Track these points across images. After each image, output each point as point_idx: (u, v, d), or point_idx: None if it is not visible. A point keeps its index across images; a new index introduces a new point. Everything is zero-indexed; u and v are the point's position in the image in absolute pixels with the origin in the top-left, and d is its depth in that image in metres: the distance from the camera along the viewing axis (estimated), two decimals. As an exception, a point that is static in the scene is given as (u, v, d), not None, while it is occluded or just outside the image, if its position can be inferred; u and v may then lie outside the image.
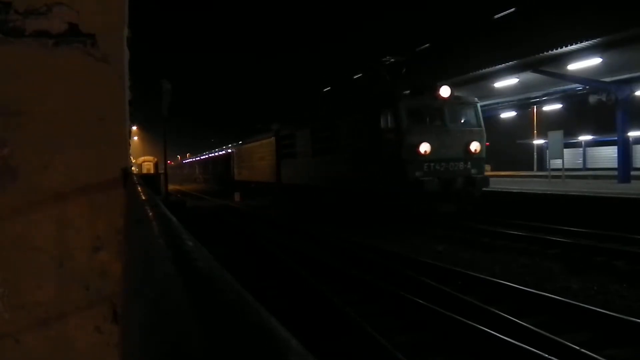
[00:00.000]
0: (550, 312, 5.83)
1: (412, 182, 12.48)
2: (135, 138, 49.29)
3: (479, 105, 14.39)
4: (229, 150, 44.51)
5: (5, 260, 1.45)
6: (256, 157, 29.69)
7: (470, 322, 5.16)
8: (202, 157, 66.68)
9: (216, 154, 56.45)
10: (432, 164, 12.87)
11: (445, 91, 13.40)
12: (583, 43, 14.66)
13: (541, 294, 6.23)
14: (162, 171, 22.55)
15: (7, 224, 1.45)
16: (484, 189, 13.70)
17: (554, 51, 15.61)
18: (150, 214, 1.09)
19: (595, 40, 14.41)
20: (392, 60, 17.26)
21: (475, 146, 13.37)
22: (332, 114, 18.19)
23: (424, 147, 12.76)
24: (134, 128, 41.08)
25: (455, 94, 13.92)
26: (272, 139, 25.60)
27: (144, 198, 1.45)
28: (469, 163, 13.42)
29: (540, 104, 27.85)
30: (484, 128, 13.97)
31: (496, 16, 20.26)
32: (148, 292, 0.65)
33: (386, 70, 17.58)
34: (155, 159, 38.81)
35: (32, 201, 1.47)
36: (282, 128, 25.15)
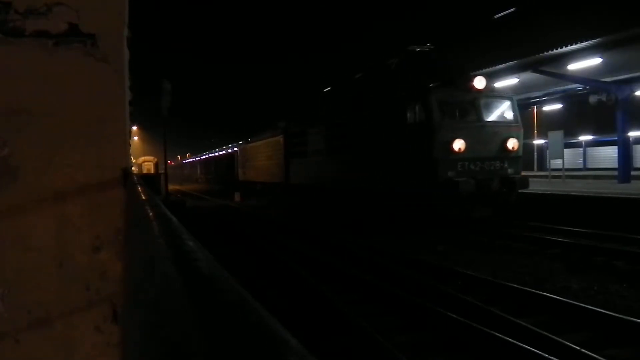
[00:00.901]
0: (551, 312, 5.83)
1: (444, 183, 11.33)
2: (135, 138, 49.29)
3: (514, 98, 13.26)
4: (233, 150, 43.14)
5: (5, 260, 1.45)
6: (262, 156, 28.63)
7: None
8: (204, 157, 66.03)
9: (219, 153, 55.34)
10: (466, 163, 11.65)
11: (480, 82, 12.18)
12: (583, 43, 14.66)
13: (541, 294, 6.23)
14: (162, 171, 22.57)
15: (7, 224, 1.45)
16: (522, 190, 12.37)
17: (554, 51, 15.61)
18: (150, 214, 1.09)
19: (595, 40, 14.41)
20: (418, 49, 15.79)
21: (512, 143, 12.11)
22: (350, 109, 16.91)
23: (458, 144, 11.51)
24: (134, 128, 41.08)
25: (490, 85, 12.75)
26: (280, 137, 24.52)
27: (144, 198, 1.45)
28: (506, 162, 12.17)
29: (540, 104, 27.86)
30: (521, 123, 12.81)
31: (496, 16, 20.27)
32: (148, 292, 0.65)
33: (410, 60, 16.10)
34: (156, 159, 38.82)
35: (32, 201, 1.47)
36: (291, 125, 23.99)
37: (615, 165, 20.86)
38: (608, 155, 33.76)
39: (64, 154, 1.49)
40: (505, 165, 12.17)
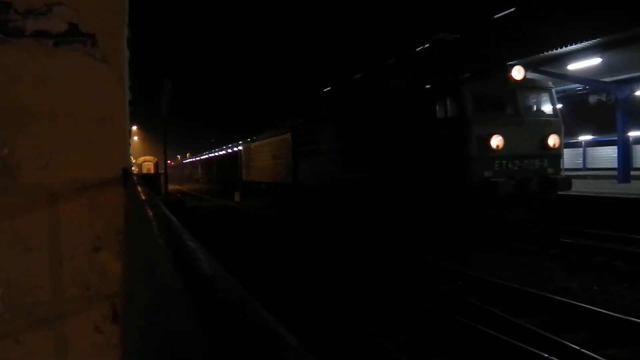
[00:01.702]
0: (551, 312, 5.83)
1: (480, 184, 10.39)
2: (135, 138, 49.27)
3: (554, 90, 12.28)
4: (236, 149, 41.60)
5: (5, 260, 1.45)
6: (268, 155, 27.44)
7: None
8: (205, 157, 65.15)
9: (221, 153, 53.91)
10: (503, 162, 10.69)
11: (518, 72, 11.13)
12: (583, 43, 14.66)
13: (541, 294, 6.23)
14: (162, 171, 22.56)
15: (6, 224, 1.45)
16: (564, 192, 11.38)
17: (554, 51, 15.61)
18: (150, 214, 1.09)
19: (595, 40, 14.42)
20: (445, 39, 14.68)
21: (553, 140, 11.17)
22: (369, 104, 15.59)
23: (496, 141, 10.53)
24: (134, 128, 41.06)
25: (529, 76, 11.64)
26: (288, 135, 23.35)
27: (144, 198, 1.45)
28: (546, 160, 11.23)
29: (540, 104, 27.78)
30: (561, 118, 11.92)
31: (496, 16, 20.26)
32: (148, 292, 0.65)
33: (437, 50, 15.06)
34: (156, 159, 38.78)
35: (32, 201, 1.47)
36: (299, 122, 22.80)
37: (615, 165, 20.86)
38: (608, 155, 33.77)
39: (64, 154, 1.49)
40: (545, 164, 11.24)
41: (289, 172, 22.74)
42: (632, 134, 22.54)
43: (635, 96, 20.13)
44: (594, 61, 15.79)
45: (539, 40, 15.84)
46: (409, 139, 12.58)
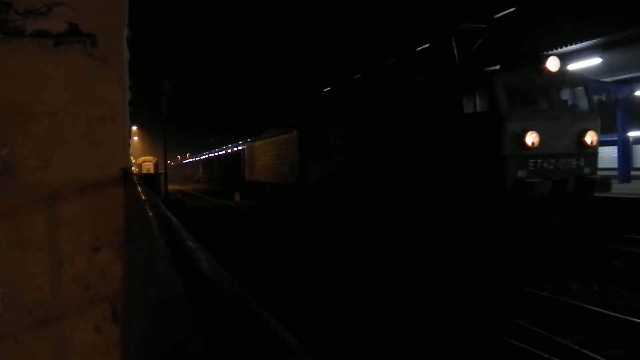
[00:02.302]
0: (550, 312, 5.83)
1: (514, 185, 9.52)
2: (135, 138, 49.27)
3: (589, 82, 11.33)
4: (239, 148, 40.35)
5: (5, 260, 1.45)
6: (272, 155, 26.41)
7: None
8: (206, 156, 64.50)
9: (223, 152, 53.05)
10: (539, 161, 9.78)
11: (554, 63, 10.23)
12: (583, 43, 14.67)
13: (541, 295, 6.23)
14: (162, 171, 22.55)
15: (7, 224, 1.45)
16: (602, 193, 10.47)
17: (554, 51, 15.61)
18: (150, 214, 1.09)
19: (595, 40, 14.42)
20: (468, 28, 13.53)
21: (591, 137, 10.19)
22: (385, 99, 14.51)
23: (531, 138, 9.58)
24: (134, 128, 41.03)
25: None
26: (294, 133, 22.37)
27: (144, 198, 1.45)
28: (582, 159, 10.25)
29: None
30: (597, 113, 10.84)
31: (496, 16, 20.26)
32: (148, 292, 0.65)
33: (460, 41, 13.79)
34: (155, 159, 38.76)
35: (32, 201, 1.47)
36: (306, 120, 21.65)
37: (615, 165, 20.86)
38: (608, 155, 33.76)
39: (64, 154, 1.49)
40: (582, 163, 10.25)
41: (295, 172, 21.75)
42: (632, 134, 22.54)
43: (635, 96, 20.13)
44: (594, 61, 15.79)
45: (539, 40, 15.85)
46: (432, 136, 11.59)
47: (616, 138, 20.16)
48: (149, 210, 1.13)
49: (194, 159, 78.22)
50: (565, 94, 10.90)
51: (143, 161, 38.99)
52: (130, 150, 2.24)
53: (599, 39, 14.31)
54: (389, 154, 13.56)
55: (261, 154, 29.61)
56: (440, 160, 11.25)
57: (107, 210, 1.52)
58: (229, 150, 48.57)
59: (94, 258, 1.51)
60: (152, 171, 34.81)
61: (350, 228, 13.62)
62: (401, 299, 6.26)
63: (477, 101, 10.46)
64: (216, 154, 57.23)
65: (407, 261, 8.76)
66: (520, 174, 9.62)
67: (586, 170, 10.32)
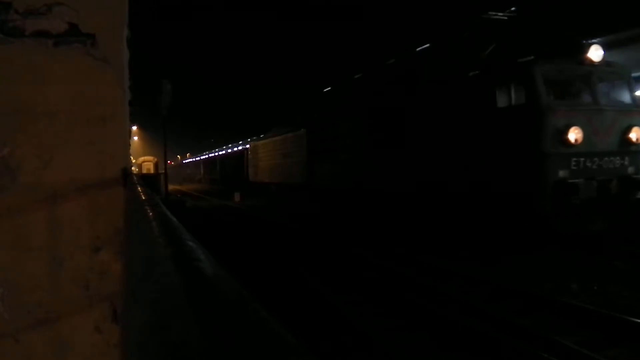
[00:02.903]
0: (550, 312, 5.83)
1: (554, 186, 8.68)
2: (135, 138, 49.26)
3: (631, 74, 10.48)
4: (242, 147, 38.94)
5: (5, 260, 1.45)
6: (278, 154, 25.43)
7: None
8: (207, 156, 63.71)
9: (225, 152, 52.06)
10: (581, 159, 8.95)
11: (596, 52, 9.48)
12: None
13: (540, 295, 6.23)
14: (162, 171, 22.55)
15: (7, 224, 1.45)
16: None
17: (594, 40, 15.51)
18: (150, 214, 1.09)
19: (595, 40, 14.39)
20: (498, 16, 12.42)
21: (636, 134, 9.39)
22: (405, 92, 13.45)
23: (574, 134, 8.74)
24: (134, 128, 41.02)
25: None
26: (302, 131, 21.30)
27: (144, 198, 1.45)
28: (627, 158, 9.41)
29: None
30: None
31: (496, 16, 20.22)
32: (148, 292, 0.65)
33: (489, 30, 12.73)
34: (156, 159, 38.74)
35: (32, 201, 1.47)
36: (317, 117, 20.50)
37: (615, 165, 20.86)
38: None
39: (64, 154, 1.49)
40: (626, 162, 9.39)
41: (304, 172, 20.69)
42: None
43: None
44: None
45: (538, 40, 15.81)
46: (461, 132, 10.72)
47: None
48: (149, 210, 1.13)
49: (194, 159, 77.93)
50: (609, 87, 10.08)
51: (143, 161, 38.99)
52: (130, 150, 2.25)
53: (599, 38, 14.29)
54: (413, 152, 12.50)
55: (266, 153, 28.53)
56: (470, 158, 10.38)
57: (107, 210, 1.52)
58: (232, 150, 47.27)
59: (94, 258, 1.51)
60: (152, 171, 34.78)
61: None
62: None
63: (513, 94, 9.61)
64: (218, 153, 56.13)
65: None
66: (562, 173, 8.81)
67: (630, 169, 9.52)
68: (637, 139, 9.46)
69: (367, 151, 15.03)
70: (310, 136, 20.12)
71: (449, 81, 11.80)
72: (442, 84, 11.97)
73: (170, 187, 28.30)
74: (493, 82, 10.05)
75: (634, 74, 16.06)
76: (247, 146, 35.81)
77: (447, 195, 11.10)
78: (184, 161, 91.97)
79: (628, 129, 9.46)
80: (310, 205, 19.49)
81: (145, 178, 20.13)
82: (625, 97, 10.12)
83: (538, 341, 4.59)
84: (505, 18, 12.55)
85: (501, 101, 9.85)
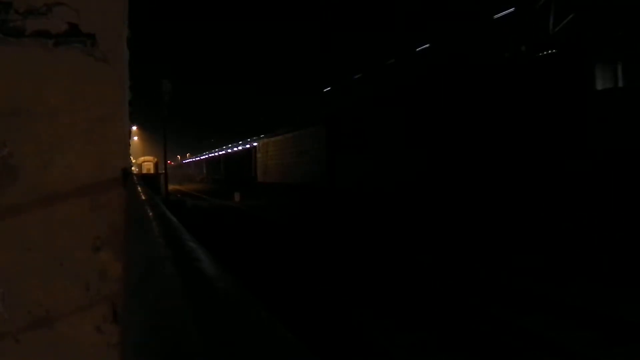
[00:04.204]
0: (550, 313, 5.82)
1: None
2: (135, 138, 49.24)
3: None
4: (250, 145, 36.42)
5: (5, 260, 1.45)
6: (293, 152, 23.50)
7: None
8: (208, 155, 62.25)
9: (231, 150, 48.57)
10: None
11: None
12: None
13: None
14: (162, 171, 22.53)
15: (6, 224, 1.45)
16: None
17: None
18: (150, 214, 1.09)
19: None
20: None
21: None
22: (470, 79, 11.06)
23: None
24: (134, 128, 40.98)
25: None
26: (321, 127, 19.52)
27: (144, 198, 1.45)
28: None
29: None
30: None
31: (496, 16, 20.26)
32: (148, 292, 0.65)
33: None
34: (156, 159, 38.71)
35: (32, 201, 1.47)
36: (340, 112, 18.87)
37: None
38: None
39: (64, 154, 1.49)
40: None
41: (322, 173, 18.66)
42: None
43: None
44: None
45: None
46: (541, 124, 8.81)
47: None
48: (149, 210, 1.13)
49: (196, 159, 77.30)
50: None
51: (143, 161, 38.95)
52: (130, 150, 2.24)
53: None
54: (474, 150, 10.43)
55: (278, 151, 26.45)
56: (557, 151, 8.39)
57: (107, 210, 1.52)
58: (238, 149, 44.57)
59: (94, 258, 1.51)
60: (152, 171, 34.75)
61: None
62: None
63: (620, 74, 7.80)
64: (222, 152, 53.86)
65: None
66: None
67: None
68: None
69: (416, 149, 12.32)
70: (333, 132, 18.00)
71: (518, 66, 9.72)
72: (511, 69, 9.89)
73: (170, 187, 28.27)
74: (589, 62, 8.07)
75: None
76: (255, 144, 33.81)
77: (531, 198, 8.76)
78: (184, 161, 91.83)
79: None
80: (330, 209, 16.74)
81: (145, 178, 20.12)
82: None
83: None
84: None
85: (602, 83, 8.09)
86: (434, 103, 12.27)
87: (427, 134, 12.32)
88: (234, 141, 53.94)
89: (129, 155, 1.88)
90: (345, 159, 16.80)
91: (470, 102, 10.92)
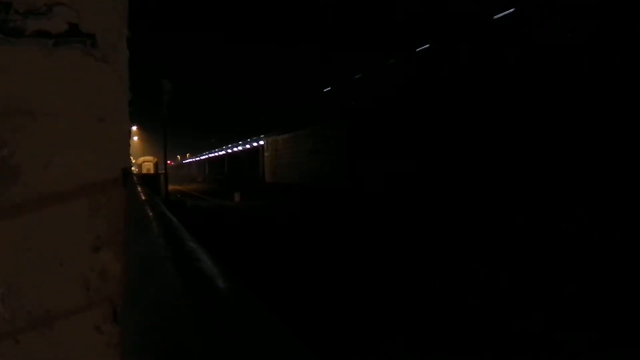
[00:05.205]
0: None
1: None
2: (135, 138, 49.22)
3: None
4: (257, 144, 34.34)
5: (5, 260, 1.45)
6: (307, 150, 22.06)
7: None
8: (209, 155, 61.33)
9: (235, 149, 46.00)
10: None
11: None
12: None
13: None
14: (162, 171, 22.53)
15: (6, 224, 1.45)
16: None
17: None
18: (150, 214, 1.09)
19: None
20: None
21: None
22: (536, 67, 8.87)
23: None
24: (134, 128, 40.95)
25: None
26: (341, 123, 17.76)
27: (144, 198, 1.45)
28: None
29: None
30: None
31: (495, 17, 20.26)
32: (148, 292, 0.65)
33: None
34: (156, 159, 38.69)
35: (32, 201, 1.47)
36: (362, 106, 17.09)
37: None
38: (608, 155, 33.64)
39: (64, 154, 1.49)
40: None
41: (341, 173, 17.03)
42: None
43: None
44: (594, 61, 15.73)
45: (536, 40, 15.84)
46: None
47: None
48: (149, 210, 1.13)
49: (197, 158, 76.90)
50: None
51: (143, 161, 38.94)
52: (130, 150, 2.25)
53: (599, 39, 14.28)
54: (554, 148, 8.38)
55: (289, 149, 24.76)
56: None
57: (107, 210, 1.52)
58: (243, 147, 41.90)
59: (94, 258, 1.51)
60: (152, 171, 34.74)
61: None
62: None
63: None
64: (226, 151, 51.79)
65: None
66: None
67: None
68: None
69: (468, 148, 10.16)
70: (355, 129, 16.35)
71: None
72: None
73: (170, 187, 28.23)
74: None
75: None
76: (262, 142, 31.67)
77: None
78: (184, 161, 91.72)
79: None
80: (350, 213, 14.73)
81: (145, 178, 20.11)
82: None
83: None
84: None
85: None
86: (495, 97, 10.13)
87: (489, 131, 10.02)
88: (233, 142, 53.16)
89: (129, 155, 1.88)
90: (370, 158, 14.60)
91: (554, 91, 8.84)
